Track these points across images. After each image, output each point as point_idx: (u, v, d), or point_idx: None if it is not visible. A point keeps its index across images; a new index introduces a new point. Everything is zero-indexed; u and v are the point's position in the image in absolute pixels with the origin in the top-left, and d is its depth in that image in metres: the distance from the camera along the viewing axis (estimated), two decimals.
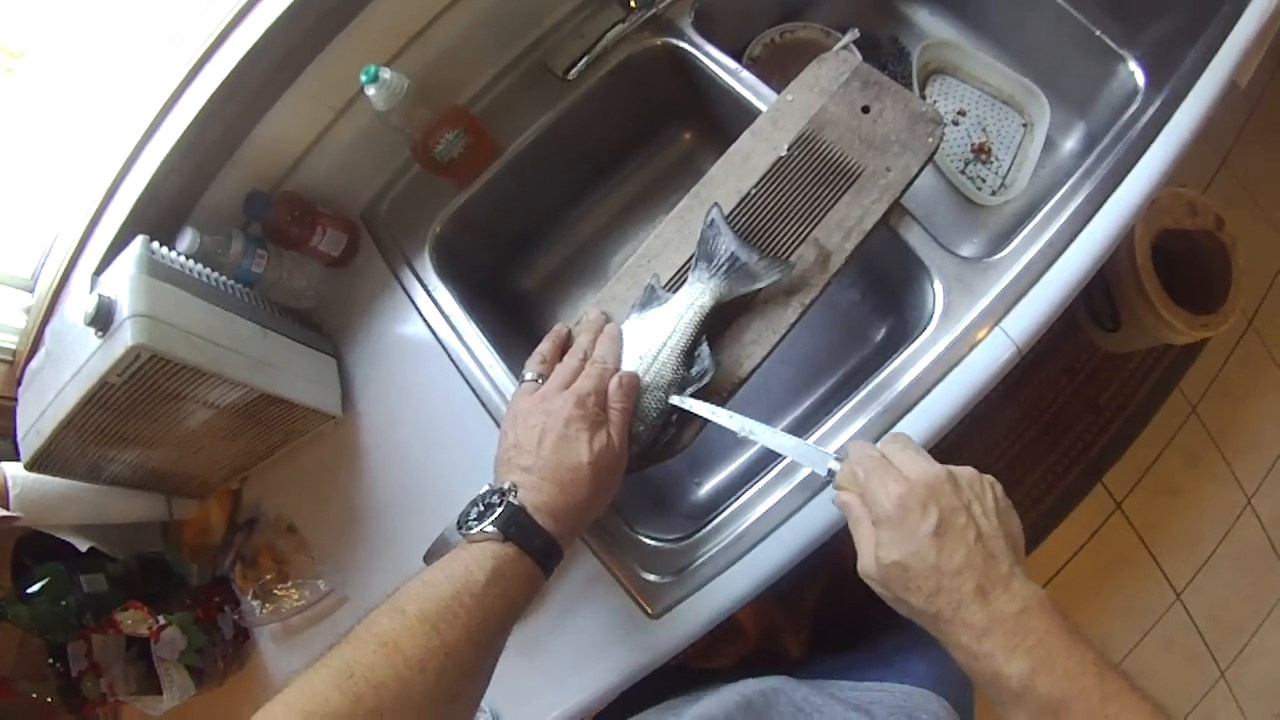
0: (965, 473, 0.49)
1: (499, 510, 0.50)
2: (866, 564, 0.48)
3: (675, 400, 0.58)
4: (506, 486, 0.51)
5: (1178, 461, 1.47)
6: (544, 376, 0.59)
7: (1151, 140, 0.71)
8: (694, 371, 0.59)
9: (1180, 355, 1.50)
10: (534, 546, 0.49)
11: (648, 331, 0.60)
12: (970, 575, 0.44)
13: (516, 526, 0.49)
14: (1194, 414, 1.49)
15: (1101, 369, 1.50)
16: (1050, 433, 1.47)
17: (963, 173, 0.91)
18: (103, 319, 0.61)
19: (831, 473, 0.53)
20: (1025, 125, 0.93)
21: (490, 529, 0.49)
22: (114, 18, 0.79)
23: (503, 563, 0.48)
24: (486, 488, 0.53)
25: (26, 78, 0.80)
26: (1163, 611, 1.43)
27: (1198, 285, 1.28)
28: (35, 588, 0.73)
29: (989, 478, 0.49)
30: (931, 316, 0.69)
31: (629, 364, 0.59)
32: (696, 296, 0.59)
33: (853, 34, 0.91)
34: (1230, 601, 1.43)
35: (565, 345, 0.63)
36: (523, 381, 0.60)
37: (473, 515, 0.51)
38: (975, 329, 0.68)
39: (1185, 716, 1.39)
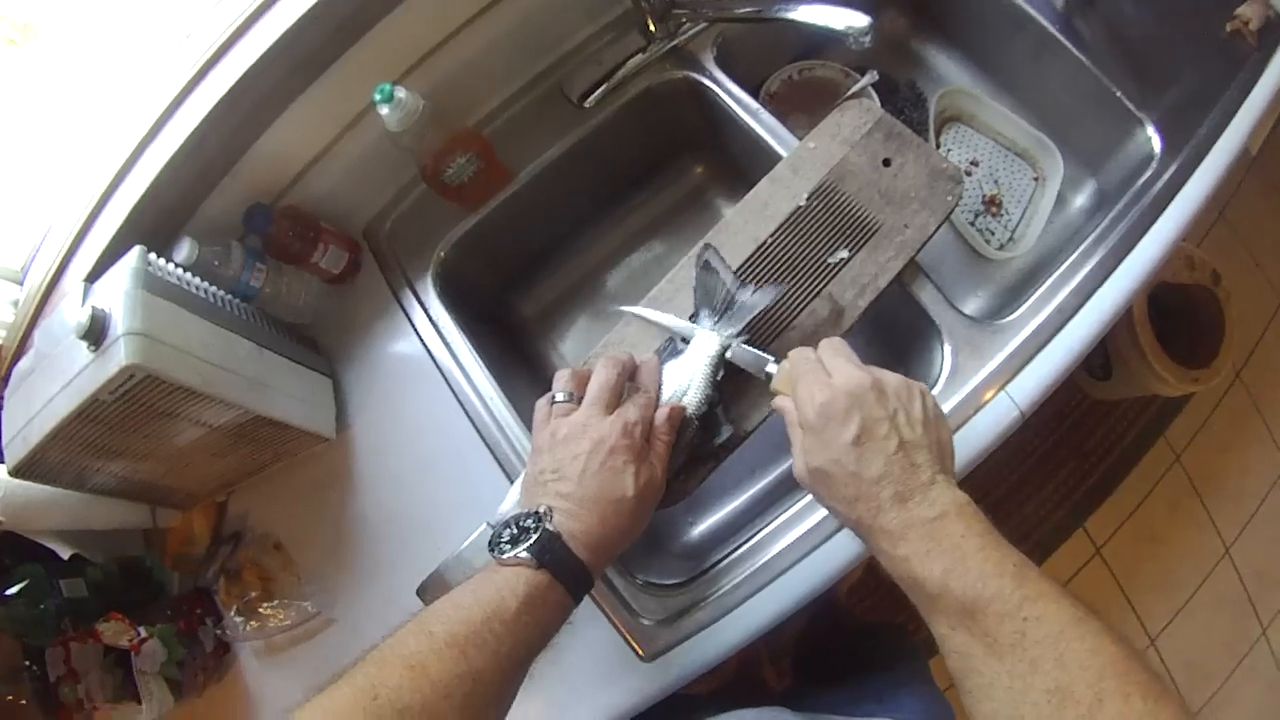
0: (892, 380, 0.49)
1: (534, 535, 0.48)
2: (797, 468, 0.50)
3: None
4: (542, 510, 0.49)
5: (1160, 509, 1.49)
6: (575, 396, 0.56)
7: (1165, 207, 0.71)
8: (713, 433, 0.58)
9: (1167, 405, 1.51)
10: (568, 575, 0.47)
11: (667, 384, 0.58)
12: (889, 483, 0.45)
13: (552, 554, 0.47)
14: (1178, 463, 1.50)
15: (1089, 415, 1.50)
16: (1035, 477, 1.48)
17: (972, 224, 0.91)
18: (96, 333, 0.60)
19: (769, 375, 0.53)
20: (1037, 180, 0.93)
21: (524, 554, 0.47)
22: (126, 3, 0.76)
23: (535, 590, 0.46)
24: (516, 508, 0.51)
25: (33, 56, 0.77)
26: None
27: (1190, 337, 1.29)
28: (14, 590, 0.71)
29: (919, 385, 0.50)
30: (940, 376, 0.69)
31: None
32: (705, 347, 0.58)
33: (871, 76, 0.91)
34: (1204, 648, 1.45)
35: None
36: (554, 401, 0.56)
37: (505, 538, 0.49)
38: (982, 391, 0.68)
39: None
